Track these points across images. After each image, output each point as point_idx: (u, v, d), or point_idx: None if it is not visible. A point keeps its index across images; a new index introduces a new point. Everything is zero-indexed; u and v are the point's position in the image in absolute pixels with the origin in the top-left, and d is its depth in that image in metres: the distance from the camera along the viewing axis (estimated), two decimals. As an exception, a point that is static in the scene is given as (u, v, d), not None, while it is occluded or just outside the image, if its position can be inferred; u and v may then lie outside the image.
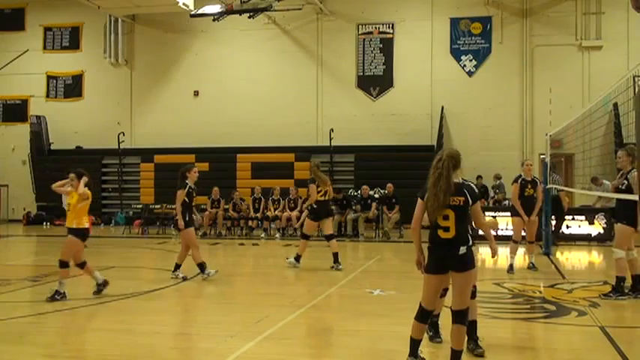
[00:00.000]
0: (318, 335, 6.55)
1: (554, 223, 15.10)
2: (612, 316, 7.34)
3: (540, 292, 9.12)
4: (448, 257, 5.02)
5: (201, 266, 9.93)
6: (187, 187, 9.90)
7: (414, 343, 5.18)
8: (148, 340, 6.58)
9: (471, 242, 5.07)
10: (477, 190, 5.18)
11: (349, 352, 5.96)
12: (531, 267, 11.04)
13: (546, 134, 14.24)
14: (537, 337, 6.91)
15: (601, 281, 9.76)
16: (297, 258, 11.48)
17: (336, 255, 11.18)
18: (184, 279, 9.93)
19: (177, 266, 10.19)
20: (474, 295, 5.57)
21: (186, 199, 9.91)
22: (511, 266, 10.73)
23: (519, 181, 10.90)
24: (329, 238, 11.44)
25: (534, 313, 7.72)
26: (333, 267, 11.11)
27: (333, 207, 18.02)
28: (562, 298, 8.48)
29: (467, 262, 5.03)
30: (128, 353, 6.05)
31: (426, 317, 5.18)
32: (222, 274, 11.44)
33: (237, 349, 5.94)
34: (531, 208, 10.83)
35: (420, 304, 5.16)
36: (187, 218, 9.90)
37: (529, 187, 10.85)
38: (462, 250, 5.00)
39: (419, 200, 5.14)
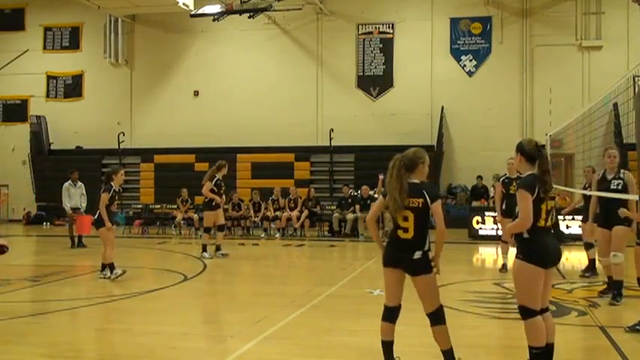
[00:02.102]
0: (318, 335, 6.55)
1: None
2: (612, 316, 7.34)
3: (540, 292, 9.10)
4: (403, 258, 5.01)
5: (111, 266, 9.86)
6: (112, 190, 9.96)
7: (385, 346, 5.12)
8: (148, 340, 6.58)
9: (427, 247, 5.03)
10: (438, 191, 5.11)
11: (349, 352, 5.96)
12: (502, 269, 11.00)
13: (546, 134, 14.25)
14: (537, 337, 6.90)
15: (601, 281, 9.75)
16: (204, 248, 12.83)
17: (204, 246, 12.84)
18: (122, 272, 9.91)
19: (104, 266, 10.11)
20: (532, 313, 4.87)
21: (107, 201, 10.02)
22: (504, 265, 10.72)
23: (502, 179, 10.81)
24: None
25: (534, 313, 7.70)
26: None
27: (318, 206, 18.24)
28: (562, 298, 8.47)
29: (421, 267, 4.99)
30: (128, 353, 6.05)
31: (390, 315, 5.10)
32: (223, 274, 11.47)
33: (237, 349, 5.94)
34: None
35: (384, 304, 5.16)
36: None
37: (513, 184, 10.78)
38: (417, 254, 4.97)
39: (380, 198, 5.20)
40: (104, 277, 9.99)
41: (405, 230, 4.98)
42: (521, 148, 4.99)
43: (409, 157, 5.10)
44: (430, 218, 5.04)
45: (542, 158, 4.92)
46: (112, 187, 9.97)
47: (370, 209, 5.25)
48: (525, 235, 4.79)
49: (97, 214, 10.05)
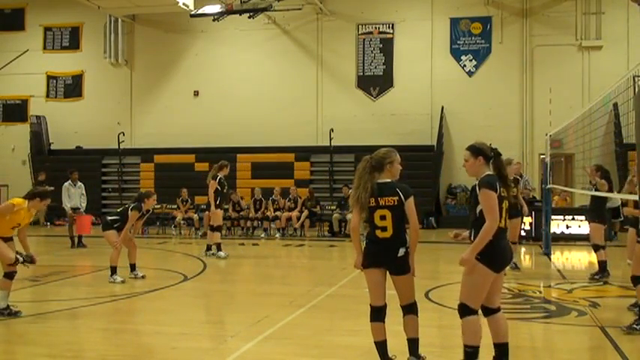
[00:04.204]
0: (318, 335, 6.55)
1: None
2: (612, 316, 7.34)
3: (540, 292, 9.12)
4: (386, 257, 5.05)
5: (113, 269, 9.84)
6: (141, 211, 10.02)
7: (379, 346, 5.17)
8: (148, 340, 6.58)
9: (408, 244, 5.07)
10: (410, 189, 5.13)
11: (349, 352, 5.96)
12: (513, 267, 11.01)
13: (546, 134, 14.23)
14: (537, 337, 6.91)
15: (601, 281, 9.76)
16: (218, 247, 12.82)
17: (216, 245, 12.78)
18: (122, 281, 9.79)
19: (133, 266, 10.22)
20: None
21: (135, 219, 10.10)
22: (514, 264, 10.81)
23: None
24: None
25: (534, 313, 7.72)
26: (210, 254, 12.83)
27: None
28: (562, 298, 8.48)
29: (405, 266, 5.05)
30: (128, 353, 6.05)
31: (378, 315, 5.14)
32: (223, 274, 11.47)
33: (237, 349, 5.95)
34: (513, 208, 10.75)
35: (370, 305, 5.18)
36: (116, 225, 10.02)
37: (514, 187, 10.85)
38: (401, 252, 5.02)
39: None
40: (135, 277, 10.11)
41: (384, 229, 5.03)
42: (478, 150, 5.00)
43: (377, 158, 5.19)
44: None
45: (499, 157, 4.98)
46: (141, 207, 10.02)
47: (352, 218, 5.25)
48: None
49: (110, 218, 10.22)
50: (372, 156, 5.20)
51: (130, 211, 9.92)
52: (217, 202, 12.88)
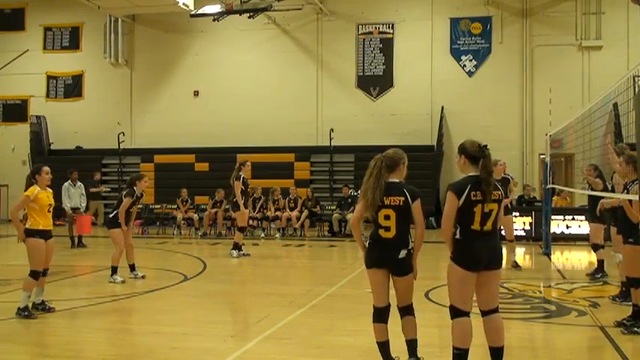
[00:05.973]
0: (318, 335, 6.56)
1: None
2: (612, 316, 7.33)
3: (540, 292, 9.13)
4: (387, 258, 5.04)
5: (114, 269, 9.83)
6: (134, 195, 9.97)
7: (381, 347, 5.17)
8: (148, 340, 6.58)
9: (410, 246, 5.05)
10: (417, 191, 5.08)
11: (349, 352, 5.96)
12: (515, 266, 11.00)
13: (546, 134, 14.23)
14: (537, 337, 6.91)
15: (601, 281, 9.76)
16: (239, 247, 12.96)
17: (235, 244, 12.95)
18: (122, 281, 9.76)
19: (132, 267, 10.21)
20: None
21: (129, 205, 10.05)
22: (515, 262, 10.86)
23: None
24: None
25: (534, 313, 7.72)
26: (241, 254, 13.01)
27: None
28: (562, 298, 8.49)
29: (406, 267, 5.03)
30: (128, 353, 6.06)
31: (381, 316, 5.13)
32: (223, 274, 11.47)
33: (237, 349, 5.95)
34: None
35: (373, 305, 5.18)
36: (119, 220, 9.95)
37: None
38: (402, 253, 5.00)
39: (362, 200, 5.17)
40: (135, 277, 10.09)
41: (387, 229, 5.01)
42: (463, 149, 4.90)
43: (390, 156, 5.17)
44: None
45: (487, 159, 4.81)
46: (134, 191, 9.98)
47: (354, 214, 5.26)
48: (457, 236, 4.74)
49: (112, 214, 10.11)
50: (384, 155, 5.17)
51: (123, 198, 9.88)
52: (243, 202, 12.92)
